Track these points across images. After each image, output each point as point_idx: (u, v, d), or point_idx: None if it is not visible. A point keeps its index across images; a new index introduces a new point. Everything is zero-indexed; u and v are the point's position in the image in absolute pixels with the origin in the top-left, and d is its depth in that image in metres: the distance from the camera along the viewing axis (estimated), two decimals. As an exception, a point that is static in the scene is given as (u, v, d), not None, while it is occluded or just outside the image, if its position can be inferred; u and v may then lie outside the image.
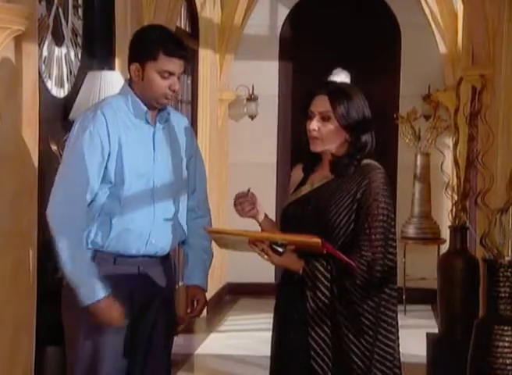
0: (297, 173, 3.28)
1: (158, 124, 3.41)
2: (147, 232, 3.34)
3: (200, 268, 3.56)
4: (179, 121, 3.54)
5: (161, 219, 3.37)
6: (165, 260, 3.47)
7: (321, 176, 3.17)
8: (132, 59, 3.38)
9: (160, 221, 3.36)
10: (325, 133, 3.11)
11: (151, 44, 3.32)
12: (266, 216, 3.23)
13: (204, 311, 7.88)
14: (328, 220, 3.04)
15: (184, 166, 3.48)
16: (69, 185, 3.28)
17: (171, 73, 3.32)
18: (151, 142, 3.38)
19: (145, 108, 3.37)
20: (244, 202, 3.15)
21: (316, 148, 3.14)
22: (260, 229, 3.25)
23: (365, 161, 3.13)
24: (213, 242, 3.26)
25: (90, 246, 3.31)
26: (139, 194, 3.34)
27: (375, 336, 3.02)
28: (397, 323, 3.11)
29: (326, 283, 3.01)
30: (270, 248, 2.99)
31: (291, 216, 3.17)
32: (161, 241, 3.38)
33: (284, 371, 3.16)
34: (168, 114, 3.44)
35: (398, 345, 3.10)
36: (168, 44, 3.32)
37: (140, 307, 3.37)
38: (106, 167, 3.29)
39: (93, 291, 3.24)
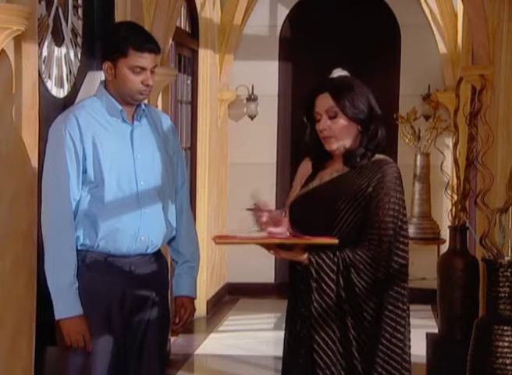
0: (306, 167, 3.24)
1: (135, 122, 3.41)
2: (135, 230, 3.34)
3: (187, 276, 3.55)
4: (160, 118, 3.54)
5: (149, 215, 3.37)
6: (158, 258, 3.47)
7: (332, 170, 3.13)
8: (104, 58, 3.39)
9: (147, 218, 3.36)
10: (336, 129, 3.07)
11: (120, 40, 3.33)
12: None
13: (204, 311, 7.95)
14: (337, 214, 3.01)
15: (168, 161, 3.47)
16: (52, 196, 3.31)
17: (143, 68, 3.33)
18: (128, 140, 3.39)
19: (120, 107, 3.37)
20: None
21: (331, 146, 3.09)
22: None
23: (378, 156, 3.09)
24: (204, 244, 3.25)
25: (80, 248, 3.32)
26: (123, 193, 3.34)
27: (380, 334, 2.99)
28: (409, 324, 3.08)
29: (332, 275, 2.99)
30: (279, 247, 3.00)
31: (299, 209, 3.14)
32: (150, 238, 3.38)
33: (290, 366, 3.15)
34: (144, 111, 3.44)
35: (408, 346, 3.07)
36: (137, 39, 3.32)
37: (133, 307, 3.37)
38: (85, 170, 3.30)
39: (66, 307, 3.27)
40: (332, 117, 3.07)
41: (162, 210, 3.42)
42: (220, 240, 3.05)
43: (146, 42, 3.34)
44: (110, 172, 3.32)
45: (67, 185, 3.29)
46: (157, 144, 3.45)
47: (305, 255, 3.01)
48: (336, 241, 2.94)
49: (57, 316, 3.29)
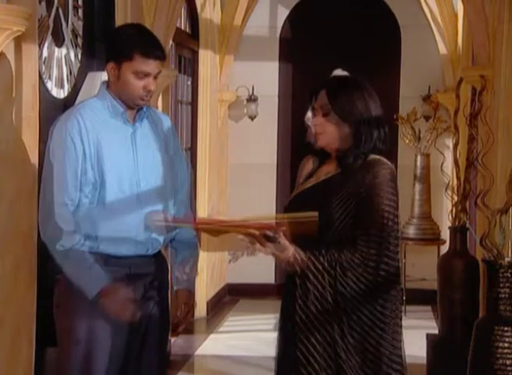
0: (307, 165, 3.26)
1: (137, 124, 3.41)
2: (135, 231, 3.34)
3: (187, 268, 3.52)
4: (161, 120, 3.54)
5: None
6: (159, 259, 3.47)
7: (328, 169, 3.15)
8: (108, 58, 3.38)
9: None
10: (327, 127, 3.09)
11: (127, 44, 3.32)
12: None
13: (204, 312, 7.94)
14: (330, 214, 3.01)
15: (169, 163, 3.47)
16: (50, 195, 3.29)
17: (146, 74, 3.32)
18: (130, 142, 3.38)
19: (122, 109, 3.37)
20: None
21: (321, 143, 3.13)
22: None
23: (372, 156, 3.08)
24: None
25: (80, 249, 3.31)
26: (123, 194, 3.34)
27: (367, 335, 2.99)
28: (400, 326, 3.07)
29: (316, 272, 2.98)
30: (264, 238, 2.96)
31: (295, 208, 3.15)
32: (151, 239, 3.38)
33: (281, 365, 3.15)
34: (145, 112, 3.44)
35: (398, 348, 3.06)
36: (144, 45, 3.31)
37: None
38: (85, 171, 3.29)
39: (92, 283, 3.24)
40: (325, 114, 3.09)
41: (163, 211, 3.42)
42: (201, 226, 3.09)
43: (152, 48, 3.33)
44: (111, 173, 3.32)
45: (65, 184, 3.28)
46: (158, 146, 3.45)
47: (291, 252, 2.99)
48: (315, 214, 2.91)
49: (90, 296, 3.23)
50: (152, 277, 3.42)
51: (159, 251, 3.47)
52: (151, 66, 3.32)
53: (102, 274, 3.25)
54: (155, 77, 3.36)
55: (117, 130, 3.38)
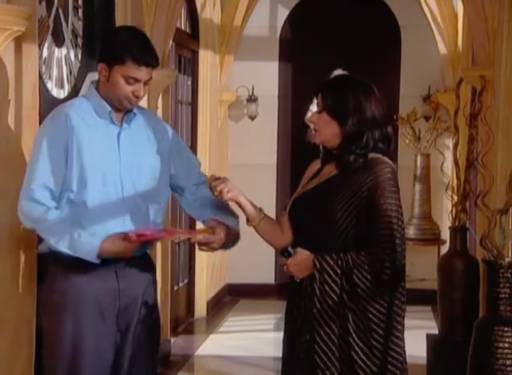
0: (315, 167, 3.27)
1: (124, 124, 3.39)
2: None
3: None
4: (152, 120, 3.52)
5: (132, 220, 3.34)
6: (145, 261, 3.45)
7: (330, 169, 3.15)
8: (100, 59, 3.38)
9: (132, 221, 3.33)
10: (320, 124, 3.12)
11: (120, 48, 3.30)
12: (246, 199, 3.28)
13: (204, 312, 7.93)
14: (332, 216, 3.02)
15: (159, 163, 3.44)
16: (28, 184, 3.32)
17: (136, 80, 3.31)
18: (115, 142, 3.36)
19: (109, 108, 3.35)
20: (220, 186, 3.18)
21: (317, 140, 3.16)
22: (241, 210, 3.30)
23: (372, 155, 3.08)
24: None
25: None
26: (108, 196, 3.32)
27: (387, 336, 3.00)
28: (403, 325, 3.10)
29: (335, 277, 2.99)
30: (281, 255, 3.04)
31: (296, 209, 3.17)
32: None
33: (290, 369, 3.15)
34: (135, 114, 3.42)
35: (403, 347, 3.10)
36: (137, 51, 3.29)
37: (121, 309, 3.35)
38: (66, 168, 3.28)
39: (86, 247, 3.23)
40: (320, 112, 3.13)
41: (149, 214, 3.40)
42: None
43: (145, 55, 3.31)
44: (94, 173, 3.29)
45: (40, 174, 3.29)
46: (147, 148, 3.42)
47: (311, 259, 3.02)
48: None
49: (93, 258, 3.24)
50: (140, 278, 3.40)
51: (145, 253, 3.46)
52: (142, 72, 3.30)
53: (86, 239, 3.24)
54: (146, 83, 3.35)
55: (103, 130, 3.36)
